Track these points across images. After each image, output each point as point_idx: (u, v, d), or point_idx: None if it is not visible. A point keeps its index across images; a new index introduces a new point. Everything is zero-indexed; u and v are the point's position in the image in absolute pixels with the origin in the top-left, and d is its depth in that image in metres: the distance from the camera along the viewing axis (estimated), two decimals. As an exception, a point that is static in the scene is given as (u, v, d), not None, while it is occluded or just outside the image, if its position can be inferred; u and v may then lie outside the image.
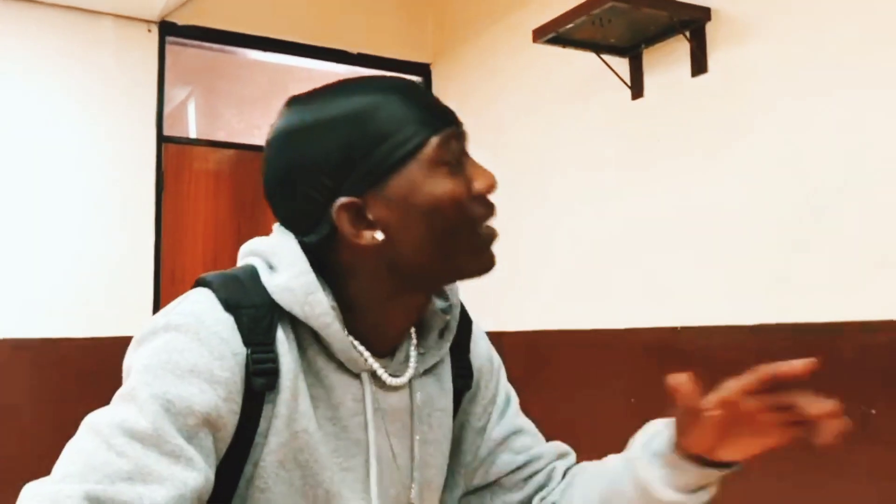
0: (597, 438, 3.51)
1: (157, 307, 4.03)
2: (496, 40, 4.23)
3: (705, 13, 2.95)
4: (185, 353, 0.77)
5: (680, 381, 0.81)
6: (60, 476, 0.70)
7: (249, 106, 4.64)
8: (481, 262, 0.90)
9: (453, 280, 0.94)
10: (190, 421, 0.75)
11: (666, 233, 3.18)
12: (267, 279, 0.85)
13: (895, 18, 2.43)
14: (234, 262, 0.92)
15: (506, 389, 1.07)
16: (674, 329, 3.09)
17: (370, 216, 0.84)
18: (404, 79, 0.91)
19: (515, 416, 1.06)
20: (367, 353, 0.88)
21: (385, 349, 0.91)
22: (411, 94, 0.87)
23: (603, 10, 2.83)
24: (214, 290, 0.83)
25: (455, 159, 0.87)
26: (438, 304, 0.97)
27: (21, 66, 3.85)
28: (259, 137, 4.53)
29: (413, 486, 0.92)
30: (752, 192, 2.84)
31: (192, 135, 4.41)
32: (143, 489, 0.70)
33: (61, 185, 3.85)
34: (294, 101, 0.88)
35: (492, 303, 4.45)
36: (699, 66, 3.00)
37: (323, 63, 4.68)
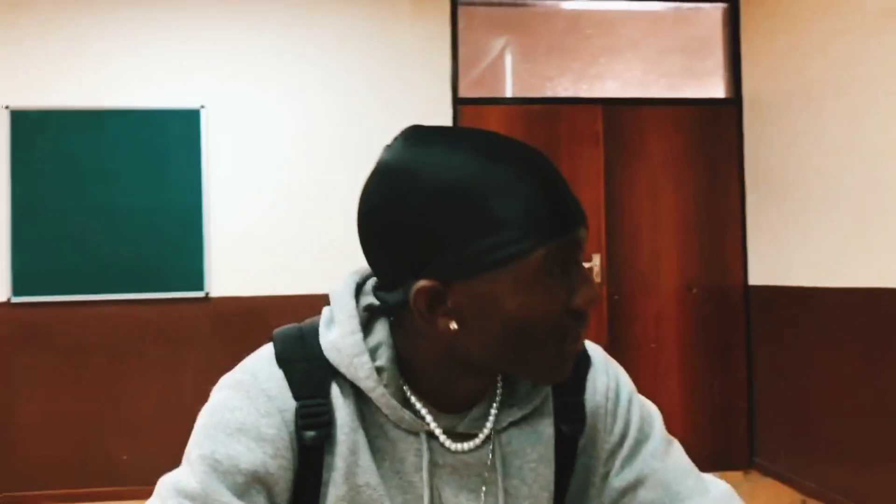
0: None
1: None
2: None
3: None
4: (234, 412, 0.79)
5: None
6: None
7: (544, 57, 4.59)
8: (550, 376, 0.80)
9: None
10: (238, 479, 0.77)
11: None
12: (322, 334, 0.83)
13: None
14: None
15: (639, 430, 0.93)
16: None
17: (450, 303, 0.76)
18: (542, 158, 0.78)
19: (649, 461, 0.91)
20: (426, 415, 0.83)
21: (455, 407, 0.85)
22: (540, 182, 0.75)
23: None
24: (274, 345, 0.84)
25: (561, 269, 0.76)
26: None
27: (319, 44, 4.19)
28: (550, 89, 4.47)
29: None
30: None
31: (509, 90, 4.50)
32: None
33: (362, 154, 4.14)
34: (414, 137, 0.78)
35: (779, 257, 4.01)
36: None
37: (617, 3, 4.45)
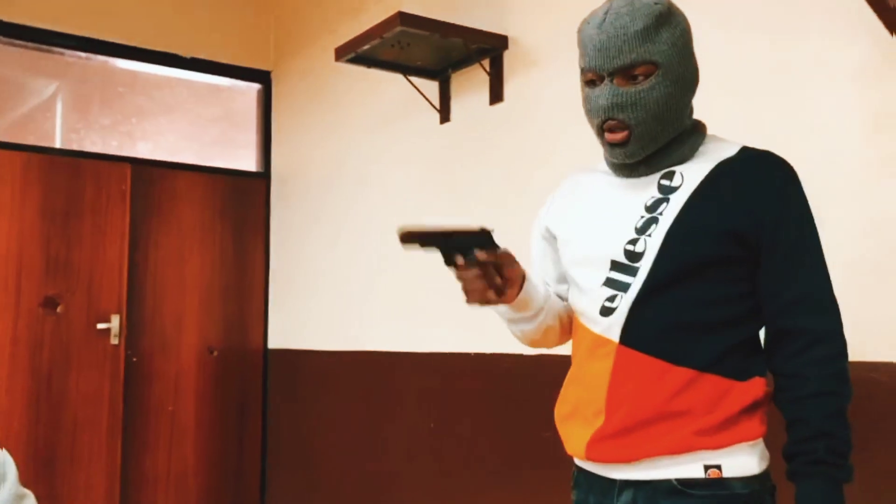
0: (397, 463, 3.50)
1: (-51, 321, 3.79)
2: (327, 53, 4.15)
3: (502, 41, 2.96)
4: None
5: None
6: None
7: (71, 109, 4.40)
8: None
9: None
10: None
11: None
12: None
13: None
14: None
15: None
16: (467, 355, 3.09)
17: None
18: None
19: None
20: None
21: None
22: None
23: (395, 34, 2.80)
24: None
25: None
26: None
27: None
28: (77, 142, 4.31)
29: None
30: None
31: (59, 138, 4.22)
32: None
33: None
34: None
35: (295, 322, 4.42)
36: (496, 94, 3.00)
37: (153, 67, 4.50)
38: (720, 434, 1.25)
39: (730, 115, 2.20)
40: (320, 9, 4.28)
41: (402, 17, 2.75)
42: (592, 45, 1.30)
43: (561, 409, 1.45)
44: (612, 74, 1.29)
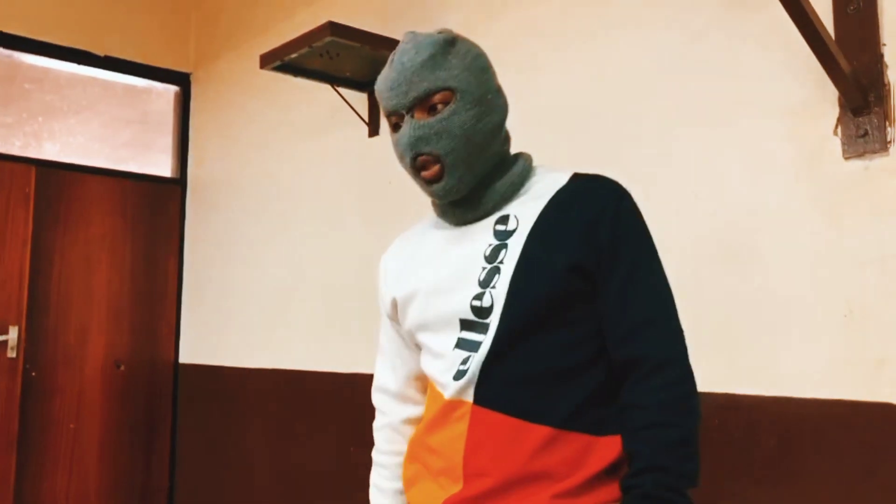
0: (313, 487, 3.38)
1: None
2: (252, 59, 4.01)
3: (435, 57, 2.88)
4: None
5: None
6: None
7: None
8: None
9: None
10: None
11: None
12: None
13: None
14: None
15: None
16: (392, 378, 2.99)
17: None
18: None
19: None
20: None
21: None
22: None
23: (325, 44, 2.70)
24: None
25: None
26: None
27: None
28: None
29: None
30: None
31: None
32: None
33: None
34: None
35: (208, 337, 4.25)
36: (427, 109, 2.92)
37: (63, 64, 4.25)
38: (580, 498, 1.17)
39: (662, 148, 2.18)
40: (249, 11, 4.13)
41: (333, 28, 2.65)
42: (386, 87, 1.28)
43: (409, 473, 1.36)
44: (410, 110, 1.25)
